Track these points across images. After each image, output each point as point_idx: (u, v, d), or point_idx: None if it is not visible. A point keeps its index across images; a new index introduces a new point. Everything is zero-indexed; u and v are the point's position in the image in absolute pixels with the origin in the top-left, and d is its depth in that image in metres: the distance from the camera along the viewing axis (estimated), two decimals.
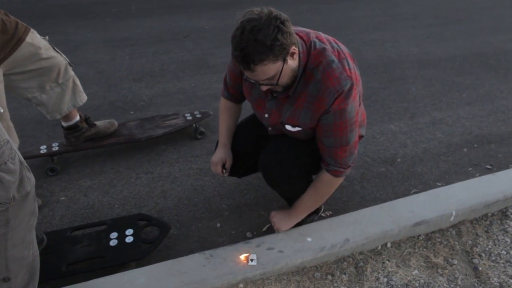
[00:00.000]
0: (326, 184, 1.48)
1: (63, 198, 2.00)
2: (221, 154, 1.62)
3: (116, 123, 2.27)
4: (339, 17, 4.81)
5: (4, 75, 1.67)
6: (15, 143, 1.78)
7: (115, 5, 5.17)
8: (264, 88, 1.28)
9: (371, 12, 5.04)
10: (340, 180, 1.48)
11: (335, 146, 1.37)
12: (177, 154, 2.31)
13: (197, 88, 3.05)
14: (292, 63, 1.26)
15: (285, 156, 1.47)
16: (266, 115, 1.47)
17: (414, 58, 3.67)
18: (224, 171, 1.63)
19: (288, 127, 1.43)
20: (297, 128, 1.41)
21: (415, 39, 4.14)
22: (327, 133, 1.35)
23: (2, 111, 1.07)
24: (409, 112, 2.77)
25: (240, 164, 1.67)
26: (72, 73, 1.92)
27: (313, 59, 1.29)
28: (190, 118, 2.39)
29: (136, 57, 3.61)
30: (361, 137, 1.64)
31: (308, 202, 1.55)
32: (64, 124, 2.07)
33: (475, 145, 2.41)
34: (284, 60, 1.21)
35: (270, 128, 1.55)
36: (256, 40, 1.12)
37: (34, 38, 1.72)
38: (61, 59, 1.84)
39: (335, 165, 1.41)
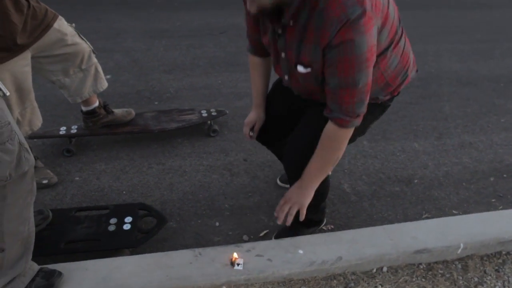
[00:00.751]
0: (332, 138, 1.27)
1: (77, 178, 2.09)
2: (252, 116, 1.60)
3: (133, 112, 2.34)
4: None
5: (32, 57, 1.76)
6: (38, 122, 1.88)
7: None
8: (251, 8, 1.13)
9: (416, 22, 4.83)
10: (347, 132, 1.26)
11: (340, 88, 1.15)
12: (190, 149, 2.34)
13: (223, 85, 3.07)
14: None
15: (308, 155, 1.34)
16: (283, 55, 1.27)
17: (454, 74, 3.48)
18: (251, 133, 1.61)
19: (300, 68, 1.22)
20: (308, 69, 1.20)
21: (459, 54, 3.92)
22: (331, 70, 1.14)
23: (8, 94, 1.12)
24: (437, 132, 2.63)
25: (270, 129, 1.63)
26: (95, 60, 2.00)
27: None
28: (206, 115, 2.41)
29: (171, 49, 3.70)
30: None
31: (316, 163, 1.33)
32: (83, 108, 2.16)
33: (505, 175, 2.24)
34: None
35: (286, 77, 1.37)
36: None
37: (62, 24, 1.80)
38: (85, 46, 1.92)
39: (339, 112, 1.20)
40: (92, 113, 2.16)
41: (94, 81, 2.04)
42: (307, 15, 1.10)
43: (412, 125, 2.69)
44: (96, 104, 2.17)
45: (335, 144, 1.29)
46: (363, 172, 2.21)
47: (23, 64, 1.69)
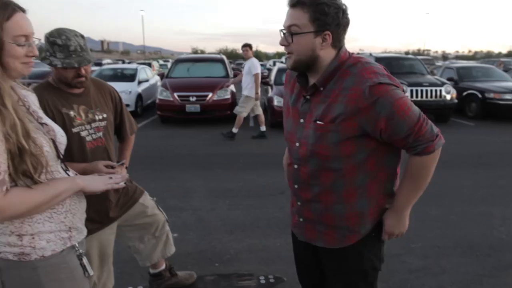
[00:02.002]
0: (422, 167, 1.34)
1: None
2: None
3: (195, 275, 2.44)
4: (438, 184, 4.65)
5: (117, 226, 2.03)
6: (110, 285, 2.03)
7: (226, 158, 5.97)
8: (282, 42, 1.30)
9: (477, 181, 4.79)
10: (435, 156, 1.32)
11: (412, 127, 1.25)
12: None
13: (282, 248, 3.13)
14: (317, 46, 1.28)
15: None
16: (302, 120, 1.39)
17: None
18: None
19: (319, 123, 1.32)
20: (330, 124, 1.30)
21: None
22: (395, 121, 1.24)
23: (92, 274, 1.29)
24: None
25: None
26: (167, 228, 2.23)
27: (353, 59, 1.32)
28: (264, 282, 2.43)
29: (233, 208, 3.96)
30: None
31: (409, 192, 1.39)
32: (151, 270, 2.31)
33: None
34: (316, 34, 1.26)
35: (297, 144, 1.41)
36: None
37: (145, 199, 2.11)
38: (161, 217, 2.18)
39: (423, 143, 1.28)
40: (158, 275, 2.30)
41: (164, 247, 2.23)
42: (335, 81, 1.30)
43: None
44: (163, 267, 2.32)
45: (425, 172, 1.35)
46: None
47: (109, 232, 1.95)
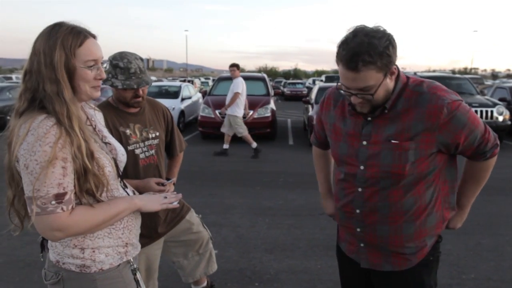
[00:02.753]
0: (487, 168, 1.44)
1: None
2: (330, 206, 1.74)
3: None
4: (491, 212, 4.38)
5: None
6: None
7: (267, 176, 5.98)
8: (356, 100, 1.29)
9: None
10: (496, 157, 1.43)
11: (483, 134, 1.35)
12: None
13: (322, 271, 3.06)
14: (389, 82, 1.28)
15: None
16: (364, 142, 1.37)
17: None
18: None
19: (394, 142, 1.32)
20: (408, 142, 1.30)
21: None
22: (470, 132, 1.31)
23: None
24: None
25: None
26: (211, 245, 2.26)
27: (413, 81, 1.35)
28: None
29: (273, 227, 3.94)
30: None
31: (474, 192, 1.50)
32: (193, 287, 2.33)
33: None
34: (385, 75, 1.25)
35: (362, 167, 1.39)
36: (370, 43, 1.18)
37: (191, 216, 2.16)
38: (205, 234, 2.21)
39: (491, 148, 1.38)
40: None
41: (207, 264, 2.26)
42: (403, 102, 1.32)
43: None
44: (205, 284, 2.34)
45: (488, 173, 1.46)
46: None
47: (156, 248, 2.00)
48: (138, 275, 1.29)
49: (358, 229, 1.46)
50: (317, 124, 1.68)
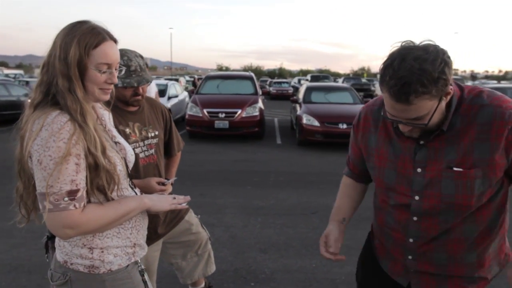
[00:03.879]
0: None
1: None
2: (325, 231, 1.41)
3: None
4: None
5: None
6: None
7: (257, 175, 5.97)
8: (406, 128, 1.12)
9: None
10: None
11: None
12: None
13: (318, 269, 3.07)
14: (444, 104, 1.10)
15: None
16: (419, 170, 1.19)
17: None
18: (330, 250, 1.36)
19: (457, 170, 1.13)
20: (473, 170, 1.12)
21: None
22: None
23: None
24: None
25: None
26: (209, 246, 2.24)
27: (468, 92, 1.15)
28: None
29: (266, 227, 3.94)
30: None
31: None
32: None
33: None
34: (440, 99, 1.06)
35: (417, 198, 1.21)
36: (422, 70, 0.99)
37: (190, 216, 2.13)
38: (204, 234, 2.19)
39: None
40: None
41: (205, 265, 2.23)
42: (460, 120, 1.13)
43: None
44: (203, 285, 2.32)
45: None
46: None
47: (155, 249, 1.96)
48: (146, 276, 1.27)
49: (410, 257, 1.30)
50: (352, 150, 1.43)
